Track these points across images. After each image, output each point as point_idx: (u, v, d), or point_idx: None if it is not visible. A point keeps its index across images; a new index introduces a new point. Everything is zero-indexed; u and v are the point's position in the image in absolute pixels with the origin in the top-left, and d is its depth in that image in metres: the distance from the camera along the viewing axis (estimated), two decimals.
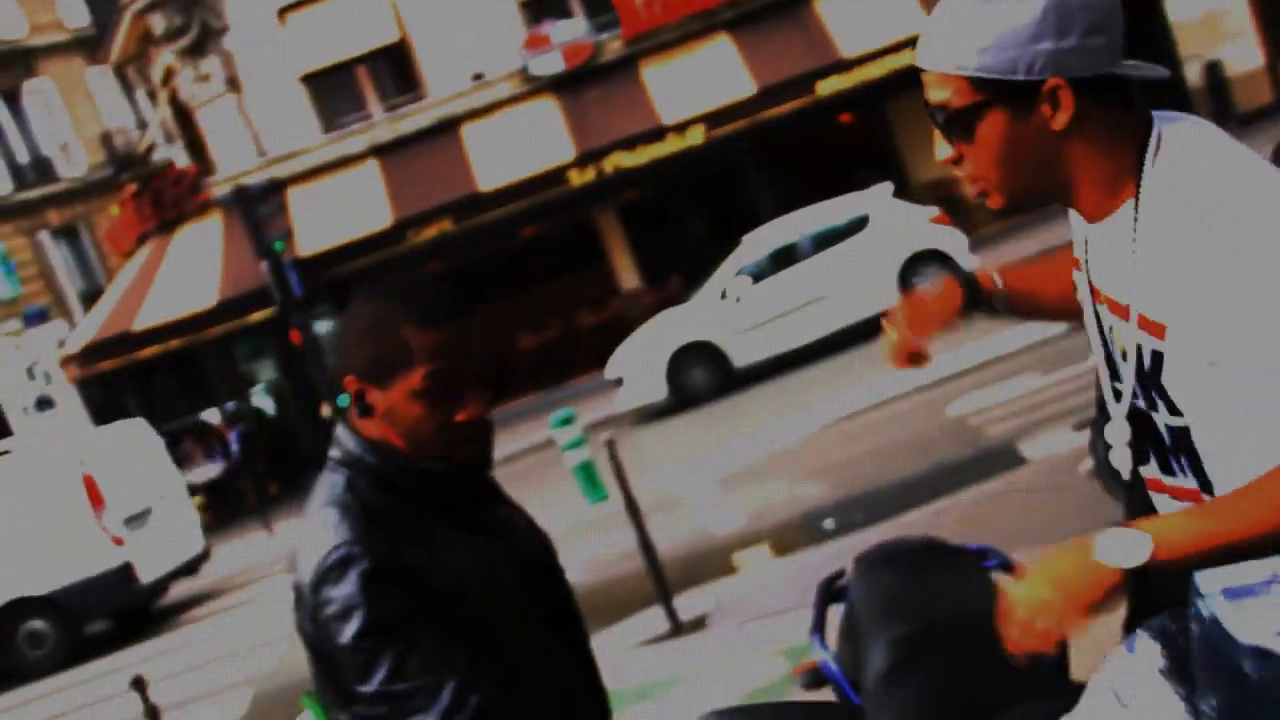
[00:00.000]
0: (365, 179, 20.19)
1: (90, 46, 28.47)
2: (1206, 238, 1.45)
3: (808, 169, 20.71)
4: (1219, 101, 19.63)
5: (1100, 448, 3.64)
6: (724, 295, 15.04)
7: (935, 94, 1.59)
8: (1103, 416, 2.73)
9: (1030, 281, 2.14)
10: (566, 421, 11.23)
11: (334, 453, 1.85)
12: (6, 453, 13.11)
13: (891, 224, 15.07)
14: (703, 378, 14.97)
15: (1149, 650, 1.43)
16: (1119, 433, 1.70)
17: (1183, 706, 1.34)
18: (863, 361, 13.42)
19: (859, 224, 15.10)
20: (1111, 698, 1.40)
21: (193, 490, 19.44)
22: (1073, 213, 1.82)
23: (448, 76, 20.42)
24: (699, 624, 6.77)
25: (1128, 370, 1.63)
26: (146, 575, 12.56)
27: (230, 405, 22.05)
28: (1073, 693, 1.90)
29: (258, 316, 19.32)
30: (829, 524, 8.00)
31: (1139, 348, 1.58)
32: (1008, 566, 2.73)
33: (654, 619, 6.88)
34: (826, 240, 15.08)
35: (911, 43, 1.77)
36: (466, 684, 1.67)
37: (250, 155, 20.63)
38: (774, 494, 9.35)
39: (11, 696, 11.85)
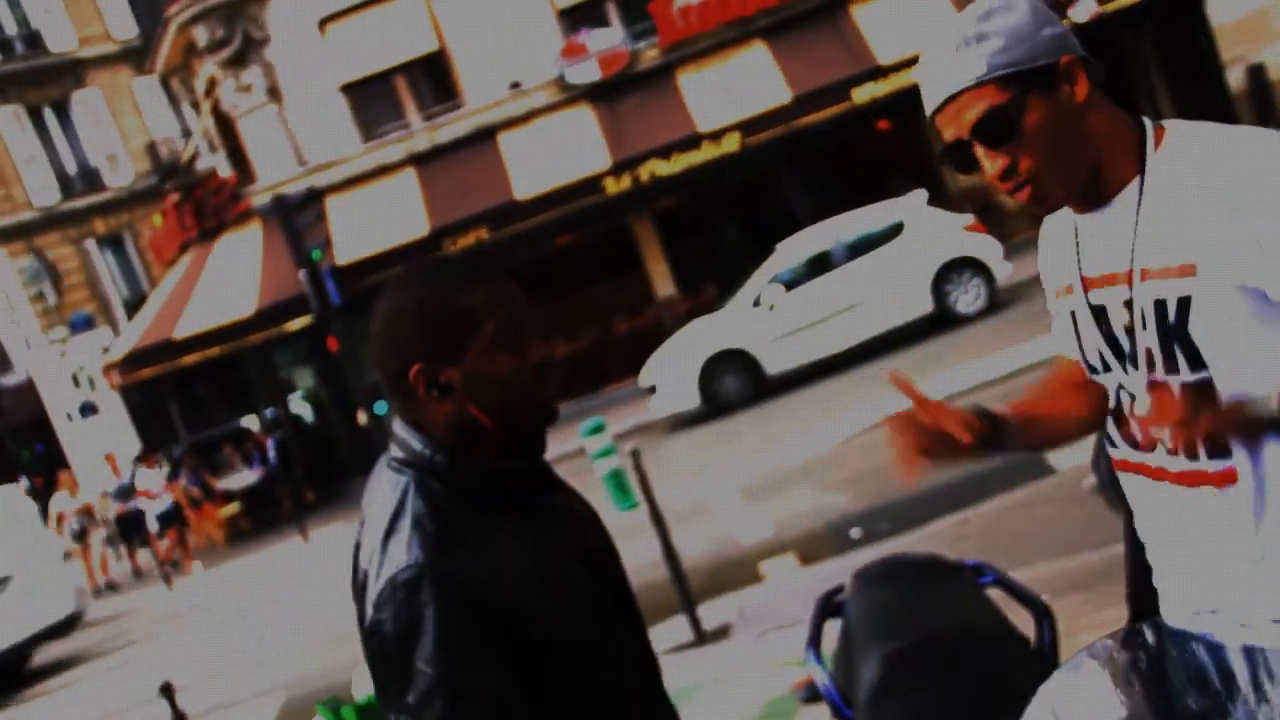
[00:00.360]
0: (403, 188, 20.35)
1: (138, 57, 28.87)
2: (1233, 174, 1.60)
3: (843, 176, 20.66)
4: (1262, 104, 19.39)
5: (1103, 464, 3.63)
6: (757, 303, 15.03)
7: (969, 114, 1.70)
8: (1105, 433, 2.73)
9: (1035, 407, 2.11)
10: (596, 430, 11.28)
11: (397, 452, 1.81)
12: None
13: (926, 231, 15.01)
14: (735, 386, 14.96)
15: (1091, 671, 1.44)
16: (1146, 408, 1.75)
17: None
18: (898, 369, 13.36)
19: (893, 231, 15.05)
20: (1050, 717, 1.40)
21: (230, 497, 19.70)
22: (1046, 234, 1.96)
23: (485, 85, 20.54)
24: (722, 633, 6.78)
25: (1146, 336, 1.71)
26: (2, 641, 12.98)
27: (269, 412, 22.27)
28: None
29: (296, 324, 19.51)
30: (855, 533, 7.97)
31: (1159, 305, 1.68)
32: (1004, 583, 2.73)
33: (678, 628, 6.89)
34: (860, 248, 15.04)
35: None
36: None
37: (290, 164, 20.84)
38: (801, 503, 9.33)
39: None
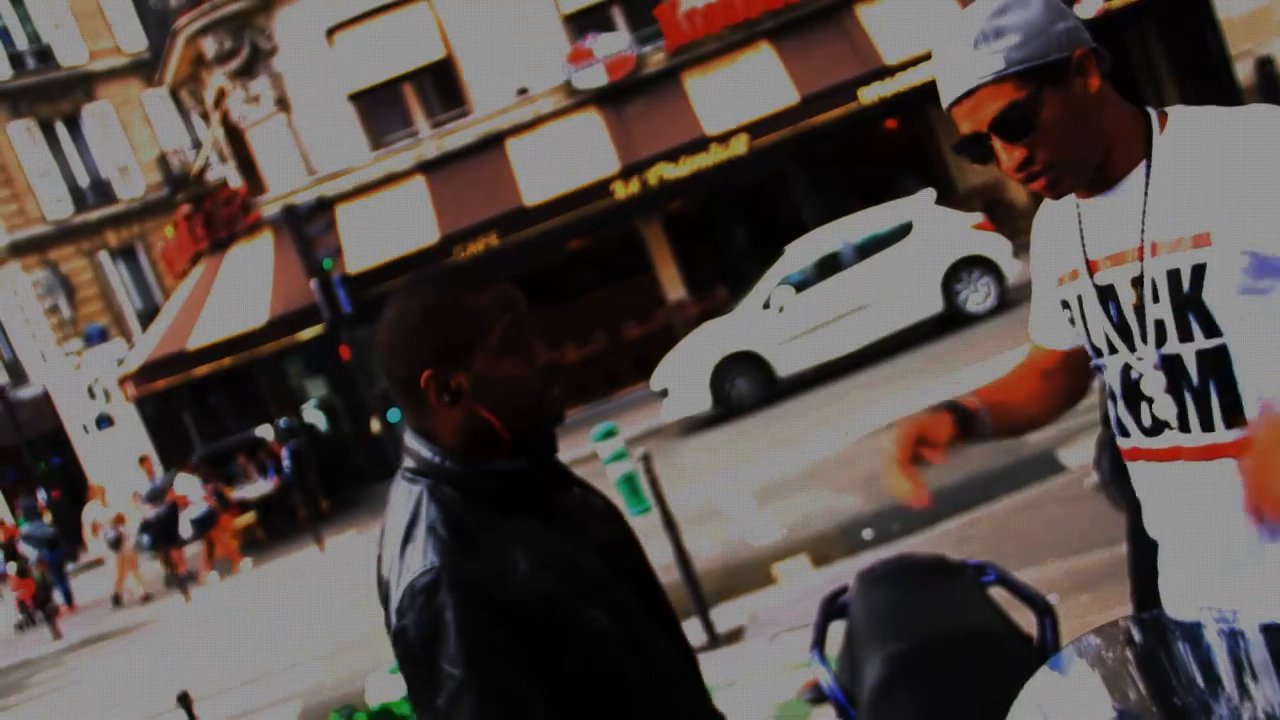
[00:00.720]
0: (412, 195, 20.41)
1: (147, 70, 29.00)
2: (1240, 145, 1.67)
3: (851, 176, 20.68)
4: (1270, 97, 19.34)
5: (1105, 461, 3.64)
6: (767, 305, 15.05)
7: (987, 109, 1.75)
8: (1108, 431, 2.74)
9: (1003, 394, 2.18)
10: (609, 434, 11.30)
11: (409, 462, 1.84)
12: None
13: (934, 231, 15.00)
14: (746, 388, 14.98)
15: (1077, 666, 1.46)
16: (1156, 383, 1.80)
17: None
18: (905, 369, 13.38)
19: (902, 231, 15.05)
20: (1037, 713, 1.43)
21: (245, 506, 19.77)
22: (1042, 223, 1.99)
23: (493, 92, 20.60)
24: (735, 636, 6.80)
25: (1159, 308, 1.75)
26: None
27: (283, 422, 22.35)
28: None
29: (308, 333, 19.59)
30: (867, 534, 7.99)
31: (1172, 275, 1.72)
32: (1006, 582, 2.75)
33: (691, 631, 6.87)
34: (869, 248, 15.04)
35: None
36: None
37: (300, 174, 20.93)
38: (813, 504, 9.35)
39: None
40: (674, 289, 21.06)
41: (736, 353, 14.99)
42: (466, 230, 19.30)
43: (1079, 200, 1.86)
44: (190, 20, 20.95)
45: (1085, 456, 7.56)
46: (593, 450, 11.38)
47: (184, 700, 5.42)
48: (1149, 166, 1.76)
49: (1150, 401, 1.81)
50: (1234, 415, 1.72)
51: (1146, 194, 1.76)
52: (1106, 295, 1.84)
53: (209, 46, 21.09)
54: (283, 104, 21.05)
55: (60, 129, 31.13)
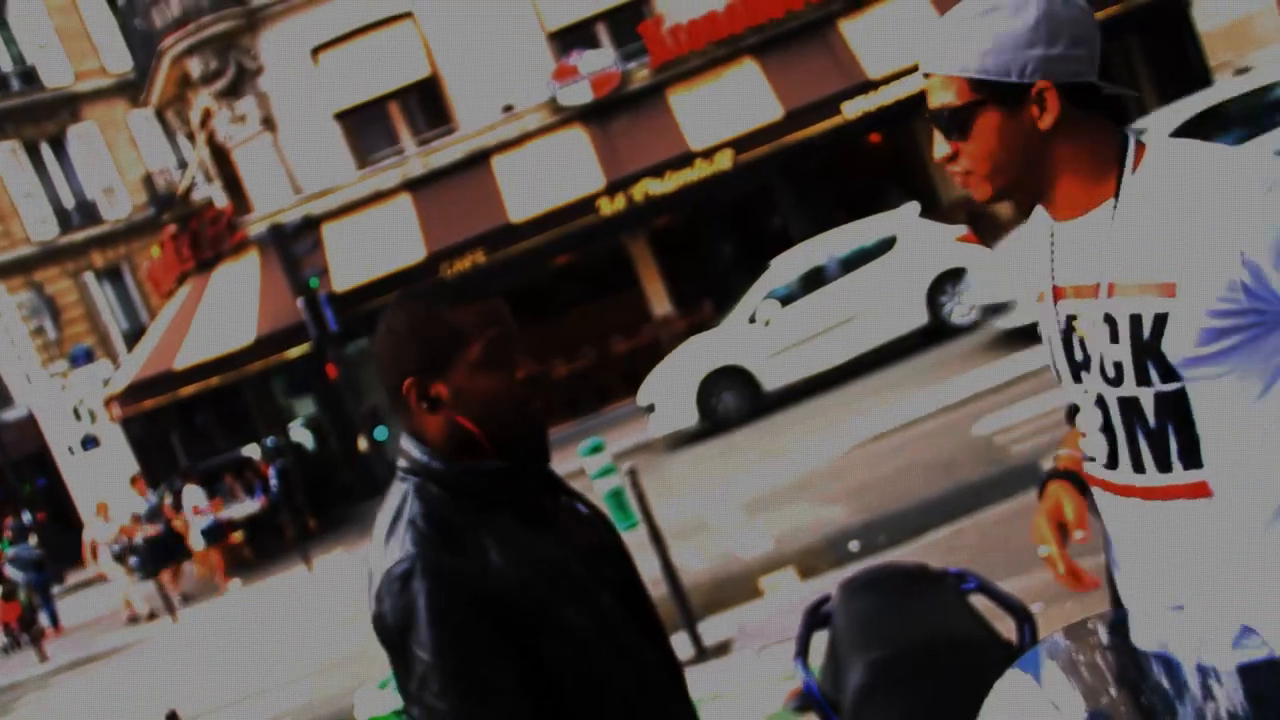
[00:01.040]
0: (398, 213, 20.43)
1: (133, 91, 29.00)
2: (1214, 196, 1.62)
3: (836, 190, 20.76)
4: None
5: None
6: (753, 319, 15.09)
7: (939, 97, 1.76)
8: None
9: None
10: (596, 450, 11.31)
11: (401, 462, 1.94)
12: None
13: (919, 244, 15.07)
14: (733, 402, 15.01)
15: (1045, 667, 1.48)
16: (1091, 420, 1.79)
17: None
18: (891, 382, 13.44)
19: (886, 245, 15.11)
20: (1007, 714, 1.45)
21: (233, 526, 19.71)
22: (1019, 240, 1.99)
23: (478, 109, 20.64)
24: (723, 649, 6.82)
25: (1118, 349, 1.71)
26: None
27: (270, 441, 22.31)
28: None
29: (295, 352, 19.56)
30: (854, 546, 8.02)
31: (1134, 319, 1.69)
32: (986, 589, 2.78)
33: (679, 644, 6.93)
34: (854, 262, 15.10)
35: None
36: (507, 715, 1.77)
37: (286, 193, 20.94)
38: (800, 517, 9.38)
39: None
40: (660, 304, 21.10)
41: (723, 367, 15.02)
42: (453, 247, 19.32)
43: (1053, 221, 1.83)
44: (176, 41, 20.97)
45: None
46: (580, 465, 11.39)
47: (172, 719, 5.41)
48: (1115, 204, 1.73)
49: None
50: (1191, 457, 1.70)
51: (1110, 233, 1.73)
52: (1068, 325, 1.82)
53: (194, 67, 21.11)
54: (268, 123, 21.07)
55: (45, 150, 31.11)
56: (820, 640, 2.91)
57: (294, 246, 18.38)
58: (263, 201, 21.05)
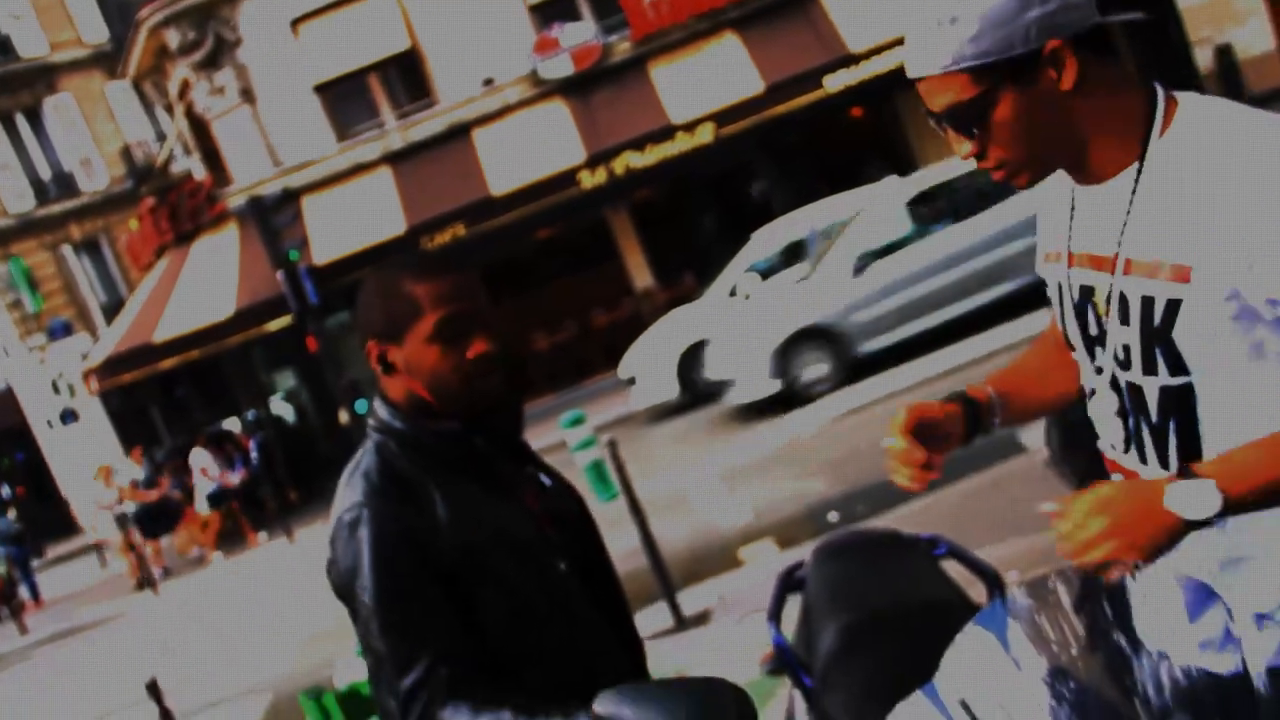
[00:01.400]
0: (378, 186, 20.35)
1: (110, 62, 28.77)
2: (1240, 176, 1.45)
3: (817, 164, 20.77)
4: (1230, 85, 19.55)
5: (1053, 436, 3.71)
6: (733, 293, 15.10)
7: (939, 100, 1.60)
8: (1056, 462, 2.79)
9: (1018, 378, 2.07)
10: (576, 422, 11.34)
11: (371, 420, 2.04)
12: None
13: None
14: None
15: (1006, 621, 1.50)
16: (1106, 405, 1.67)
17: (1039, 683, 1.42)
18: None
19: None
20: (967, 668, 1.47)
21: (213, 500, 19.68)
22: (1047, 190, 1.81)
23: (458, 82, 20.55)
24: (702, 619, 6.87)
25: (1128, 332, 1.59)
26: None
27: (250, 414, 22.25)
28: None
29: (275, 325, 19.50)
30: (833, 517, 8.08)
31: (1148, 301, 1.55)
32: (957, 554, 2.82)
33: (659, 614, 6.99)
34: (835, 235, 15.09)
35: None
36: (442, 658, 1.82)
37: (265, 165, 20.83)
38: (780, 489, 9.44)
39: None
40: (641, 277, 21.10)
41: (702, 340, 15.04)
42: (433, 220, 19.27)
43: (1074, 185, 1.69)
44: (153, 11, 20.78)
45: (1042, 439, 7.70)
46: (561, 437, 11.42)
47: (153, 689, 5.42)
48: (1139, 173, 1.57)
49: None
50: (1191, 457, 1.58)
51: (1131, 204, 1.58)
52: (1083, 296, 1.70)
53: (172, 38, 20.94)
54: (247, 95, 20.93)
55: (21, 121, 30.81)
56: (795, 605, 2.96)
57: (273, 219, 18.27)
58: (242, 174, 20.94)
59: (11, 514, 23.80)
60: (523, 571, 1.94)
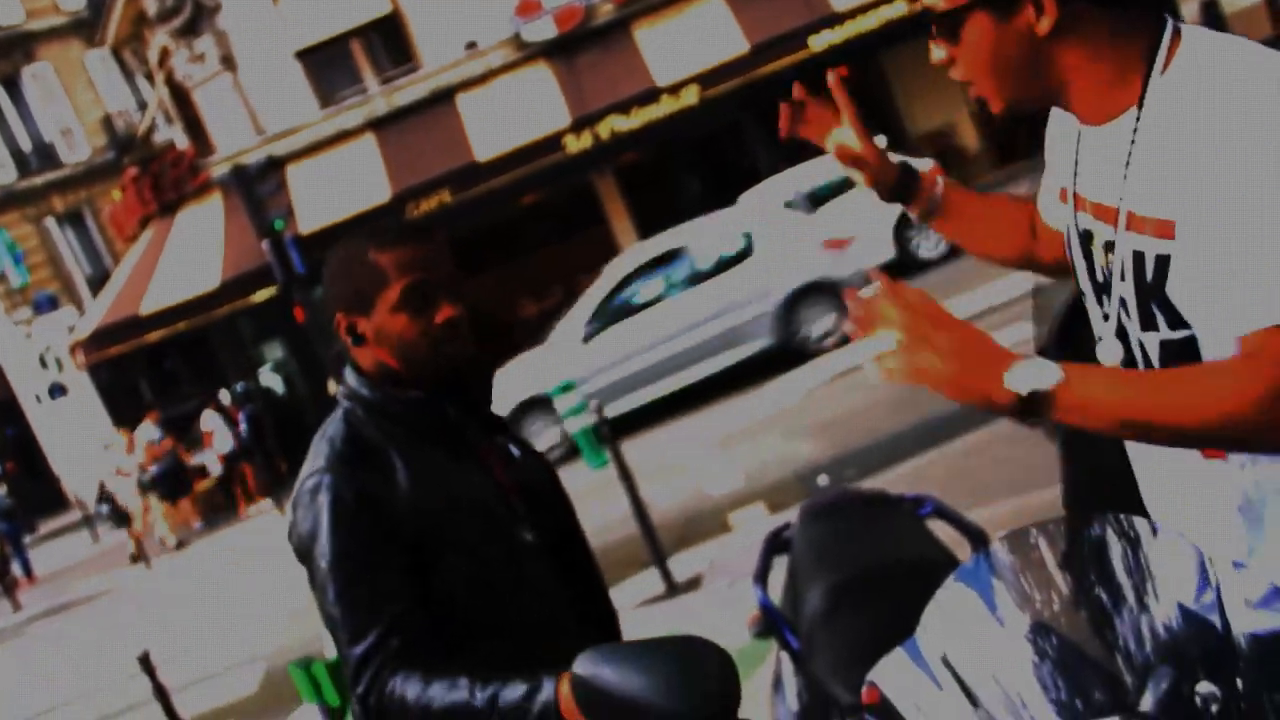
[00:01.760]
0: (363, 153, 20.22)
1: (88, 29, 28.48)
2: (1231, 124, 1.37)
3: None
4: None
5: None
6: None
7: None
8: (1041, 351, 2.78)
9: (974, 201, 2.10)
10: (567, 389, 11.33)
11: (341, 389, 2.08)
12: None
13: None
14: None
15: (986, 575, 1.49)
16: (1111, 353, 1.62)
17: (1021, 637, 1.41)
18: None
19: (852, 181, 15.05)
20: (947, 622, 1.46)
21: (203, 472, 19.68)
22: (1057, 118, 1.76)
23: (441, 46, 20.38)
24: (694, 584, 6.89)
25: (1124, 286, 1.55)
26: None
27: (239, 385, 22.20)
28: None
29: (262, 295, 19.40)
30: (822, 480, 8.09)
31: (1139, 256, 1.50)
32: (942, 513, 2.81)
33: (650, 580, 7.00)
34: (823, 196, 15.07)
35: None
36: (395, 627, 1.83)
37: (248, 134, 20.67)
38: (770, 452, 9.44)
39: None
40: (628, 242, 20.98)
41: None
42: (419, 187, 19.16)
43: (1079, 124, 1.63)
44: None
45: None
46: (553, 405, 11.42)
47: (145, 662, 5.42)
48: (1138, 119, 1.50)
49: None
50: None
51: (1130, 150, 1.51)
52: (1084, 241, 1.65)
53: (150, 4, 20.72)
54: (228, 63, 20.74)
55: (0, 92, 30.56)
56: (782, 567, 2.95)
57: (258, 188, 18.13)
58: (225, 143, 20.77)
59: (2, 490, 23.77)
60: (486, 541, 1.95)
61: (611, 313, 12.88)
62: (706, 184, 20.94)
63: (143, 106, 29.69)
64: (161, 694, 5.47)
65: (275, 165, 19.81)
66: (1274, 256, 1.35)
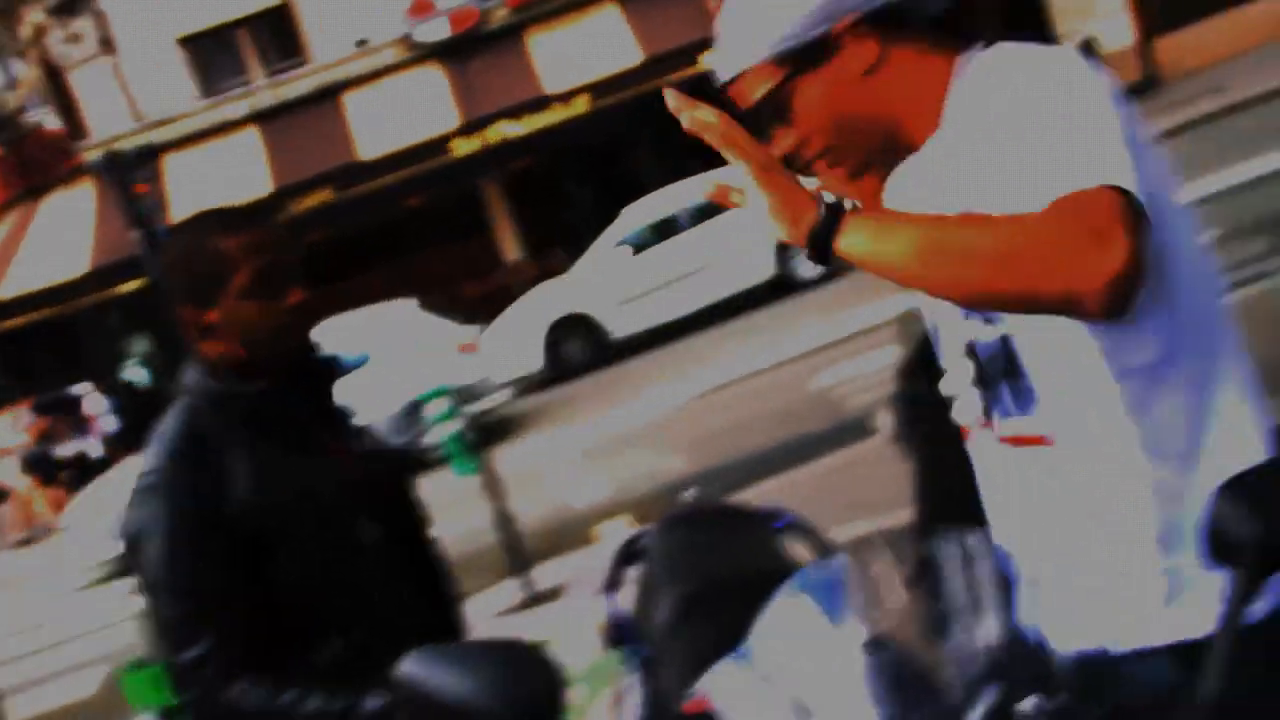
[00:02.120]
0: (245, 146, 19.80)
1: None
2: (995, 108, 1.40)
3: (694, 140, 20.70)
4: None
5: (898, 407, 3.73)
6: (602, 267, 15.06)
7: (747, 99, 1.56)
8: (903, 383, 2.79)
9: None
10: (438, 394, 11.16)
11: (182, 382, 2.03)
12: None
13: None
14: (579, 350, 14.99)
15: (824, 583, 1.47)
16: (961, 373, 1.60)
17: (855, 647, 1.39)
18: (739, 333, 13.58)
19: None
20: (781, 631, 1.44)
21: (61, 466, 19.00)
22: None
23: (331, 42, 20.08)
24: (553, 595, 6.86)
25: None
26: None
27: (104, 378, 21.49)
28: None
29: (131, 286, 18.84)
30: (689, 494, 8.10)
31: None
32: (797, 527, 2.80)
33: (509, 590, 6.96)
34: (706, 213, 15.16)
35: None
36: (225, 634, 1.82)
37: (125, 119, 20.08)
38: (639, 466, 9.44)
39: None
40: (512, 249, 20.94)
41: (571, 314, 14.98)
42: (301, 184, 18.83)
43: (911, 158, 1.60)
44: None
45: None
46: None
47: None
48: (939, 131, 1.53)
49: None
50: (1026, 405, 1.50)
51: (941, 155, 1.52)
52: None
53: None
54: (107, 45, 20.15)
55: None
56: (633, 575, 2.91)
57: (132, 175, 17.60)
58: (99, 127, 20.15)
59: None
60: (324, 536, 1.92)
61: None
62: (594, 195, 20.94)
63: (12, 85, 28.62)
64: None
65: (152, 153, 19.25)
66: (1059, 146, 1.33)
